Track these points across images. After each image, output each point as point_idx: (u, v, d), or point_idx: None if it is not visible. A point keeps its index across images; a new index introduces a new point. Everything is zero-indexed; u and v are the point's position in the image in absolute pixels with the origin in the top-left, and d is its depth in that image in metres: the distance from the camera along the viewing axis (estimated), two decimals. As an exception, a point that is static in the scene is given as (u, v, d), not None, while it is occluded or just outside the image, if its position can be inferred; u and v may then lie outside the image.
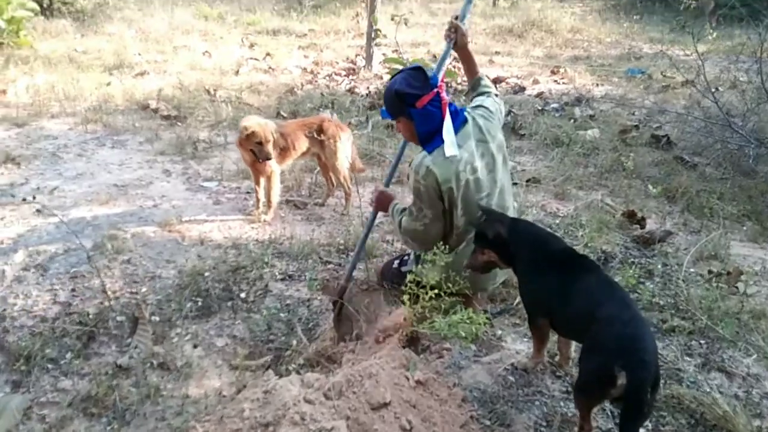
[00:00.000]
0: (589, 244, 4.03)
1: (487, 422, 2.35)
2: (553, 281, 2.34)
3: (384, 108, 2.80)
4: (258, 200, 4.25)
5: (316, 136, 4.18)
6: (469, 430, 2.32)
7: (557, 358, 2.70)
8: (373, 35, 9.39)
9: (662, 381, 2.64)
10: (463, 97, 8.15)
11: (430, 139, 2.70)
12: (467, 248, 2.81)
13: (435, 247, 2.61)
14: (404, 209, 2.92)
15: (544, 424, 2.37)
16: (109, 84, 7.11)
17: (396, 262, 3.21)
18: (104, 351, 2.85)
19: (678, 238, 4.40)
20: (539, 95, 8.85)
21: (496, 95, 3.13)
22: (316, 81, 8.88)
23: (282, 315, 3.06)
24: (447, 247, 2.71)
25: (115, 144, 5.68)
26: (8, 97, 6.82)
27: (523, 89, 9.26)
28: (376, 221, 3.27)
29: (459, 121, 2.73)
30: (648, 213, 4.81)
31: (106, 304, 3.03)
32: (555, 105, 8.11)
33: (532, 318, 2.53)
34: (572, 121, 7.40)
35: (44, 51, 9.28)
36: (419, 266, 2.63)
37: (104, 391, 2.57)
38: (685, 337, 3.07)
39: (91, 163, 5.13)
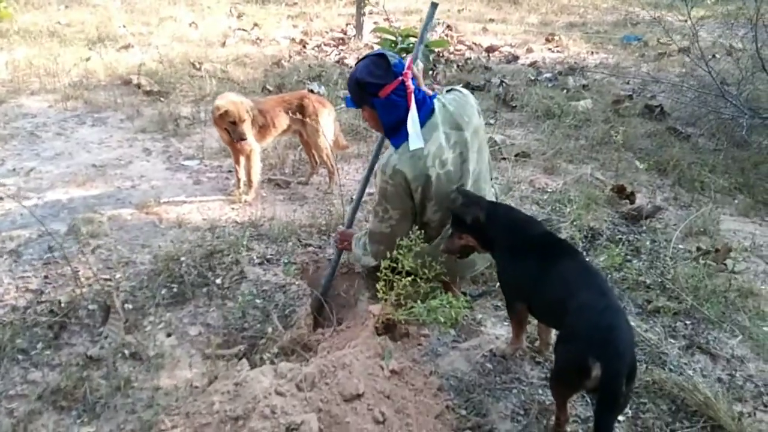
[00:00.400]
0: (576, 222, 3.95)
1: (463, 412, 2.30)
2: (531, 266, 2.27)
3: (348, 96, 2.67)
4: (238, 180, 4.15)
5: (294, 114, 4.05)
6: (443, 420, 2.27)
7: (537, 344, 2.64)
8: (362, 3, 9.18)
9: (644, 365, 2.60)
10: (454, 70, 8.00)
11: (396, 131, 2.57)
12: (443, 240, 2.72)
13: (410, 233, 2.53)
14: (360, 237, 2.89)
15: (522, 412, 2.33)
16: (88, 59, 6.91)
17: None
18: (75, 341, 2.78)
19: (668, 213, 4.32)
20: (532, 64, 8.68)
21: None
22: (304, 52, 8.68)
23: (258, 301, 2.99)
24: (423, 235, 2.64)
25: (95, 122, 5.54)
26: (-14, 73, 6.65)
27: (516, 58, 9.08)
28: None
29: (425, 111, 2.59)
30: (638, 187, 4.73)
31: (78, 292, 2.95)
32: (548, 75, 7.95)
33: (510, 303, 2.46)
34: (565, 91, 7.27)
35: (25, 24, 9.04)
36: (395, 252, 2.54)
37: (74, 384, 2.51)
38: (671, 318, 3.02)
39: (70, 143, 5.01)
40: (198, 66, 7.46)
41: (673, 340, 2.85)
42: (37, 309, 2.93)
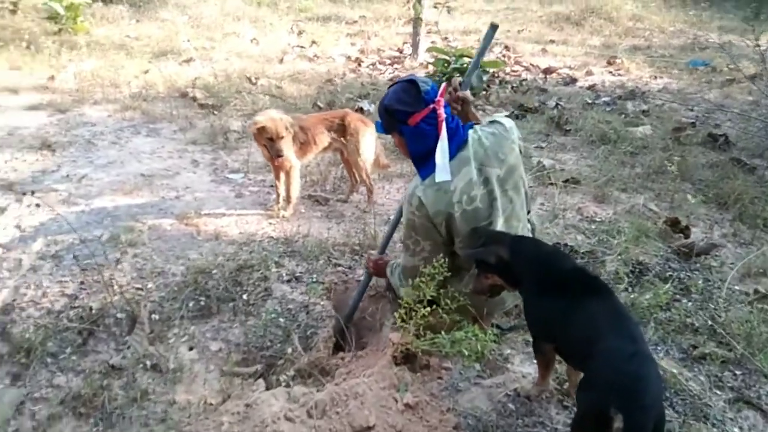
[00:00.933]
0: (623, 255, 3.75)
1: (478, 453, 2.18)
2: (557, 304, 2.13)
3: (378, 121, 2.60)
4: (278, 195, 4.16)
5: (335, 136, 4.05)
6: (456, 460, 2.16)
7: (566, 386, 2.49)
8: (419, 23, 9.18)
9: (682, 418, 2.41)
10: (508, 91, 7.88)
11: (424, 161, 2.47)
12: (470, 278, 2.61)
13: (432, 259, 2.43)
14: (396, 266, 2.79)
15: (542, 458, 2.19)
16: (147, 72, 7.18)
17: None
18: (101, 348, 2.82)
19: (725, 250, 4.04)
20: (591, 87, 8.43)
21: None
22: (359, 70, 8.74)
23: (281, 320, 2.95)
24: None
25: (149, 132, 5.72)
26: (56, 83, 6.99)
27: (574, 81, 8.84)
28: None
29: (457, 142, 2.47)
30: (695, 221, 4.46)
31: (108, 300, 3.00)
32: (606, 98, 7.69)
33: (536, 343, 2.33)
34: (623, 116, 7.00)
35: (98, 37, 9.50)
36: (416, 279, 2.45)
37: (94, 391, 2.54)
38: (718, 366, 2.79)
39: (123, 152, 5.17)
40: (254, 81, 7.63)
41: (718, 392, 2.63)
42: (70, 314, 3.00)
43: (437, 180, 2.40)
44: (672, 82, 8.83)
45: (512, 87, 8.17)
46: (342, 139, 4.16)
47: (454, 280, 2.61)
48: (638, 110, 7.20)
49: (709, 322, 3.12)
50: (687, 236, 4.13)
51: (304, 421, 2.22)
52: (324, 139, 4.14)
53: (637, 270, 3.67)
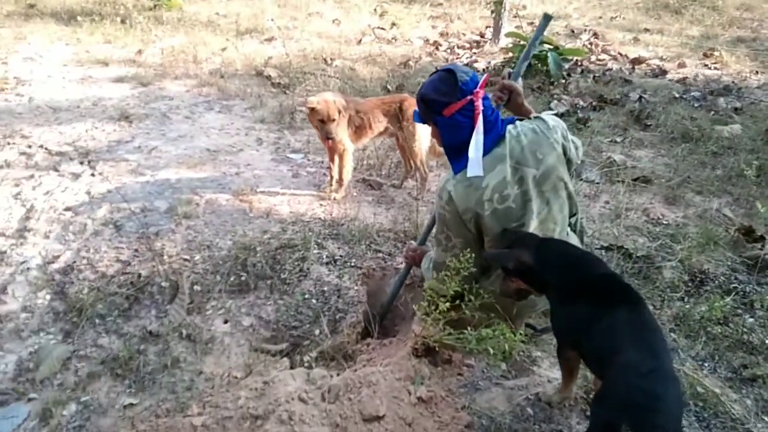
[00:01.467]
0: (684, 262, 3.52)
1: (488, 456, 2.13)
2: (581, 311, 2.03)
3: (416, 110, 2.53)
4: (331, 178, 4.20)
5: (391, 121, 4.03)
6: (463, 460, 2.12)
7: (592, 396, 2.37)
8: (501, 6, 8.93)
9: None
10: (590, 81, 7.54)
11: (458, 154, 2.38)
12: (498, 279, 2.52)
13: (461, 255, 2.37)
14: (431, 258, 2.71)
15: (555, 468, 2.10)
16: (224, 49, 7.40)
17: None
18: (144, 315, 2.97)
19: (804, 265, 3.70)
20: (681, 81, 7.89)
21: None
22: (436, 54, 8.62)
23: (313, 301, 2.99)
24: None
25: (222, 108, 5.91)
26: (143, 57, 7.35)
27: (664, 73, 8.31)
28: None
29: (494, 137, 2.36)
30: (775, 231, 4.12)
31: (156, 269, 3.15)
32: (696, 93, 7.18)
33: (560, 349, 2.23)
34: (712, 113, 6.52)
35: (190, 14, 9.90)
36: (442, 273, 2.39)
37: (131, 355, 2.68)
38: (769, 390, 2.58)
39: (195, 126, 5.38)
40: (329, 62, 7.70)
41: (766, 418, 2.43)
42: (120, 279, 3.17)
43: (469, 175, 2.32)
44: (775, 78, 8.12)
45: (594, 77, 7.80)
46: (398, 124, 4.12)
47: (483, 278, 2.54)
48: (730, 107, 6.67)
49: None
50: (763, 247, 3.81)
51: (316, 404, 2.24)
52: (380, 123, 4.11)
53: (698, 279, 3.44)
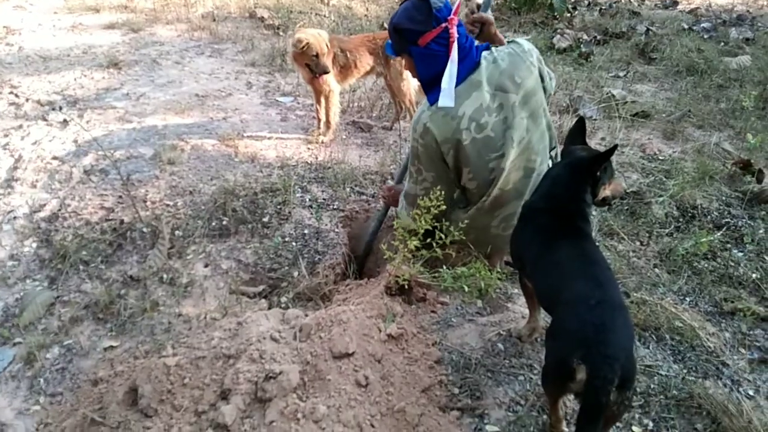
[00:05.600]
0: (676, 197, 3.44)
1: (456, 390, 2.13)
2: (531, 241, 2.01)
3: (388, 42, 2.45)
4: (318, 120, 4.12)
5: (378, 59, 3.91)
6: (431, 395, 2.13)
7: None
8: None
9: (692, 374, 2.23)
10: (596, 14, 7.27)
11: (434, 86, 2.31)
12: (478, 212, 2.48)
13: (431, 191, 2.33)
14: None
15: (523, 402, 2.10)
16: (215, -9, 7.21)
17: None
18: (126, 260, 2.98)
19: (801, 199, 3.61)
20: (692, 11, 7.59)
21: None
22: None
23: (294, 244, 2.98)
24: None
25: (213, 53, 5.79)
26: (135, 2, 7.20)
27: (675, 3, 8.01)
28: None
29: (469, 64, 2.29)
30: (775, 164, 4.00)
31: (138, 214, 3.14)
32: (707, 24, 6.90)
33: (519, 276, 2.21)
34: (722, 44, 6.28)
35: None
36: (414, 210, 2.36)
37: (111, 299, 2.71)
38: (750, 323, 2.54)
39: (184, 71, 5.29)
40: (326, 1, 7.48)
41: (743, 350, 2.41)
42: (104, 226, 3.18)
43: (440, 105, 2.26)
44: (794, 5, 7.77)
45: (601, 9, 7.51)
46: (385, 63, 4.01)
47: (460, 210, 2.52)
48: (741, 38, 6.41)
49: (754, 276, 2.83)
50: (760, 181, 3.71)
51: (288, 342, 2.26)
52: (366, 62, 4.00)
53: (689, 215, 3.37)
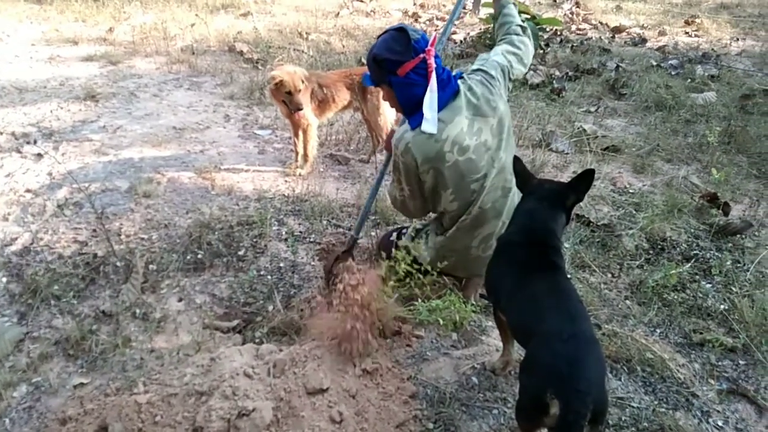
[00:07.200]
0: (646, 230, 3.51)
1: (431, 425, 2.13)
2: (505, 275, 2.04)
3: (366, 74, 2.52)
4: (296, 153, 4.16)
5: (356, 90, 3.97)
6: (405, 430, 2.12)
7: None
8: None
9: (662, 406, 2.26)
10: (568, 51, 7.46)
11: (415, 111, 2.38)
12: (458, 233, 2.53)
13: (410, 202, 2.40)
14: None
15: (497, 436, 2.11)
16: (193, 25, 7.27)
17: (394, 234, 2.99)
18: (99, 294, 2.94)
19: (766, 231, 3.71)
20: (660, 49, 7.85)
21: (522, 29, 2.81)
22: (415, 26, 8.50)
23: (269, 278, 2.98)
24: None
25: (191, 85, 5.83)
26: (114, 35, 7.23)
27: (644, 41, 8.27)
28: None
29: (449, 93, 2.38)
30: (741, 197, 4.12)
31: (112, 248, 3.12)
32: (674, 61, 7.14)
33: (494, 309, 2.23)
34: (688, 81, 6.49)
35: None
36: (414, 241, 2.41)
37: (83, 335, 2.67)
38: (718, 354, 2.59)
39: (162, 104, 5.30)
40: (305, 36, 7.59)
41: (712, 381, 2.45)
42: (77, 260, 3.14)
43: (423, 130, 2.32)
44: (755, 45, 8.09)
45: (572, 46, 7.73)
46: (362, 98, 4.08)
47: (433, 237, 2.57)
48: (707, 75, 6.64)
49: (722, 307, 2.89)
50: (726, 213, 3.82)
51: (262, 379, 2.24)
52: (343, 97, 4.07)
53: (659, 247, 3.45)
